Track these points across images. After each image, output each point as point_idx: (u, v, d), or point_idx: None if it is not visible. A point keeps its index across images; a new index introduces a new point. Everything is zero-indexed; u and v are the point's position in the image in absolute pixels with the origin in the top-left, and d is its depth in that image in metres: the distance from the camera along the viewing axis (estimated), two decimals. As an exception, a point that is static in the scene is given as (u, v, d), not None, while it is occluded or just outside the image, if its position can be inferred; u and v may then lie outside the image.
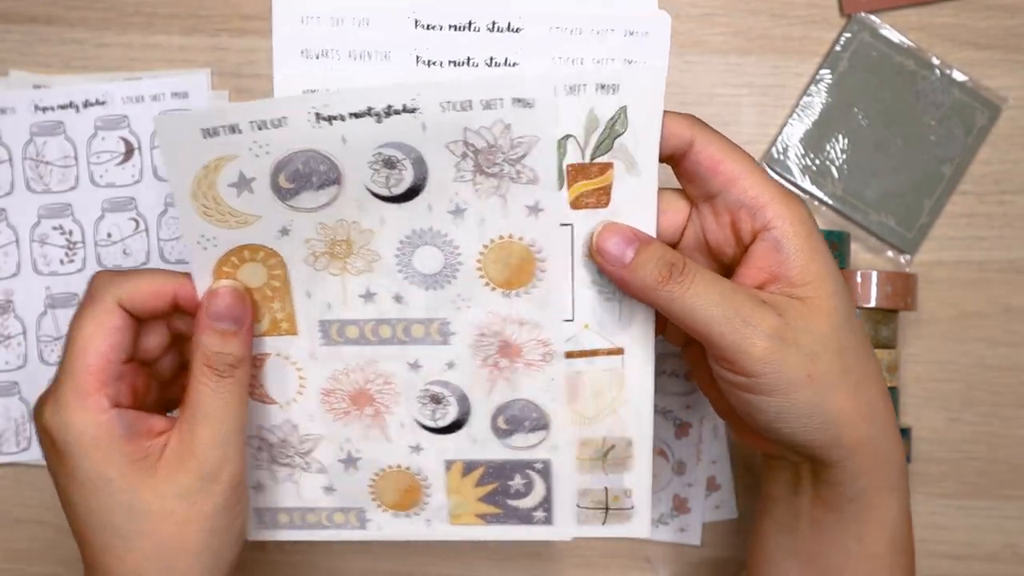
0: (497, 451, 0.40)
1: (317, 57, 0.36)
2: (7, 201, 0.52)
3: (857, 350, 0.36)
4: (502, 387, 0.39)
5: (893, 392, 0.48)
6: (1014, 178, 0.51)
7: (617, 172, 0.36)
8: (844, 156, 0.51)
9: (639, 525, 0.41)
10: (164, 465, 0.36)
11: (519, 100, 0.34)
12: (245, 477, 0.38)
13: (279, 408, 0.40)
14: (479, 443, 0.40)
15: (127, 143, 0.52)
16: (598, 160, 0.36)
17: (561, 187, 0.36)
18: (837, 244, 0.48)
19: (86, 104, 0.52)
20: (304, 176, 0.35)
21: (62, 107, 0.52)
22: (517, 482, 0.41)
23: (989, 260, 0.51)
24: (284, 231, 0.36)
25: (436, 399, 0.39)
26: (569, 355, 0.39)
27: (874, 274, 0.48)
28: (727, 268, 0.38)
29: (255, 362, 0.39)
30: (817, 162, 0.51)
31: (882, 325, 0.48)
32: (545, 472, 0.40)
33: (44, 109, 0.52)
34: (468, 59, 0.36)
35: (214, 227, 0.36)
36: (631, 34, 0.36)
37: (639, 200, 0.37)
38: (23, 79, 0.52)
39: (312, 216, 0.36)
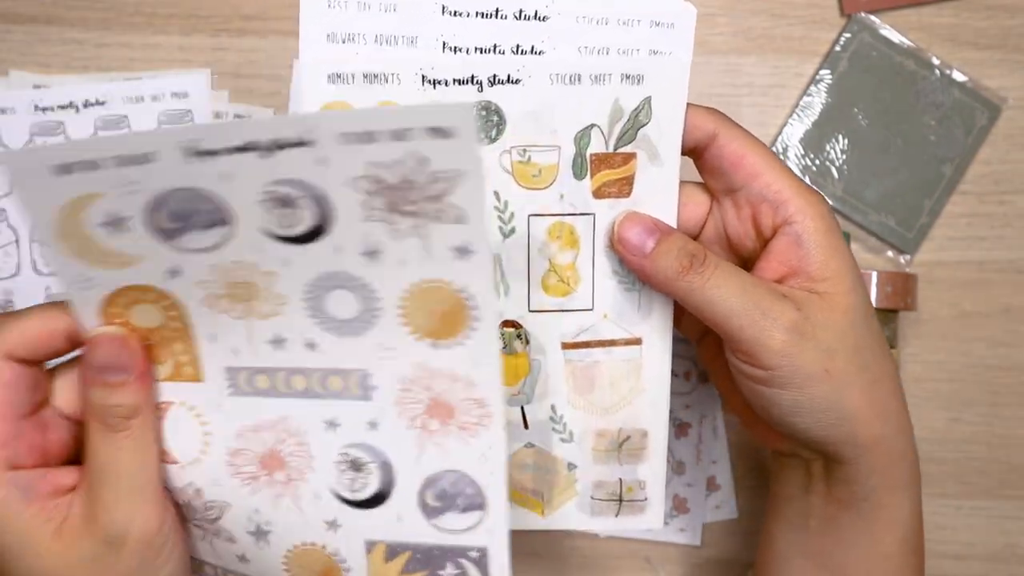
0: (425, 533, 0.35)
1: (343, 42, 0.35)
2: (7, 201, 0.52)
3: (874, 348, 0.36)
4: (432, 454, 0.34)
5: (893, 392, 0.49)
6: (1014, 178, 0.51)
7: (640, 162, 0.37)
8: (844, 156, 0.51)
9: (653, 517, 0.40)
10: (68, 529, 0.33)
11: (435, 130, 0.28)
12: (164, 529, 0.34)
13: (180, 468, 0.36)
14: (404, 522, 0.35)
15: (127, 143, 0.52)
16: (622, 150, 0.37)
17: (584, 176, 0.37)
18: (837, 244, 0.48)
19: (86, 104, 0.52)
20: (185, 216, 0.31)
21: (62, 107, 0.52)
22: (449, 572, 0.36)
23: (989, 260, 0.51)
24: (173, 272, 0.32)
25: (356, 465, 0.35)
26: (587, 344, 0.39)
27: (874, 274, 0.48)
28: (746, 262, 0.38)
29: (157, 412, 0.35)
30: (817, 162, 0.51)
31: (882, 325, 0.48)
32: (482, 562, 0.36)
33: (44, 109, 0.52)
34: (495, 46, 0.36)
35: (91, 268, 0.32)
36: (656, 25, 0.36)
37: (661, 191, 0.37)
38: (23, 79, 0.52)
39: (203, 257, 0.32)
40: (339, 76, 0.36)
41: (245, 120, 0.29)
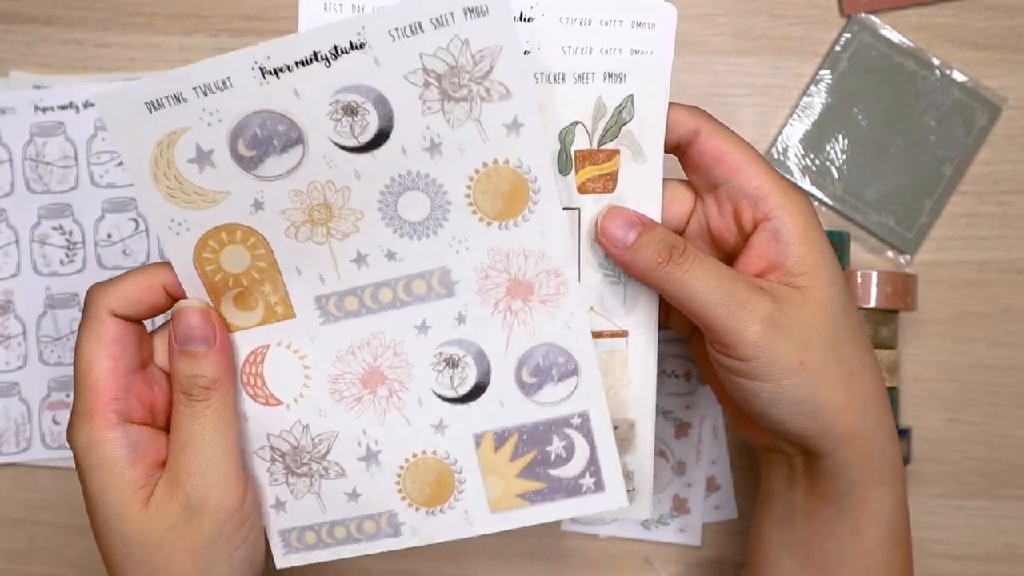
0: (528, 412, 0.37)
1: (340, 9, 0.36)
2: (7, 201, 0.52)
3: (853, 343, 0.37)
4: (520, 333, 0.36)
5: (893, 392, 0.48)
6: (1014, 178, 0.51)
7: (623, 159, 0.37)
8: (844, 156, 0.51)
9: (640, 506, 0.41)
10: (155, 495, 0.35)
11: (470, 10, 0.31)
12: (243, 506, 0.36)
13: (286, 408, 0.38)
14: (506, 406, 0.37)
15: (127, 143, 0.52)
16: (605, 146, 0.37)
17: (568, 171, 0.37)
18: (837, 244, 0.48)
19: (86, 104, 0.52)
20: (264, 140, 0.33)
21: (62, 107, 0.52)
22: (556, 446, 0.37)
23: (989, 260, 0.51)
24: (257, 205, 0.34)
25: (452, 362, 0.37)
26: None
27: (874, 274, 0.48)
28: (729, 257, 0.39)
29: (254, 359, 0.37)
30: (817, 162, 0.51)
31: (882, 325, 0.48)
32: (585, 428, 0.37)
33: (44, 109, 0.52)
34: None
35: (182, 210, 0.34)
36: (638, 25, 0.36)
37: (644, 186, 0.38)
38: (23, 79, 0.52)
39: (282, 183, 0.34)
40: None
41: (305, 31, 0.31)
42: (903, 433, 0.48)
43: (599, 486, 0.38)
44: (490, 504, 0.38)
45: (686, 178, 0.39)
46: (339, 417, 0.37)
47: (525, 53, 0.36)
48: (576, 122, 0.37)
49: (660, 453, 0.51)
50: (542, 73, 0.37)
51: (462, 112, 0.33)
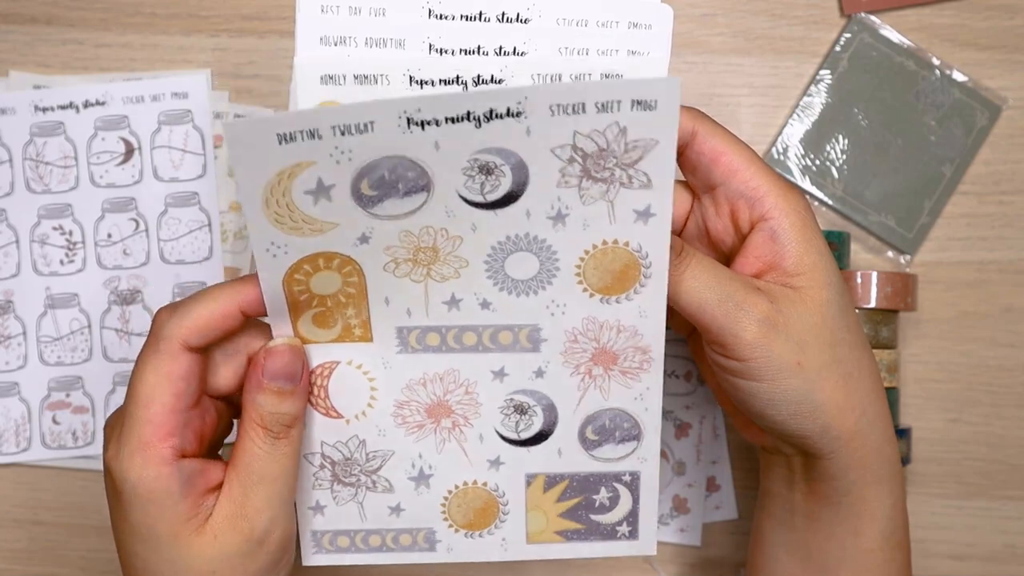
0: (583, 463, 0.38)
1: (336, 44, 0.37)
2: (7, 201, 0.52)
3: (850, 343, 0.37)
4: (593, 396, 0.37)
5: (893, 392, 0.48)
6: (1014, 178, 0.51)
7: None
8: (844, 156, 0.51)
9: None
10: (213, 525, 0.35)
11: (640, 103, 0.31)
12: (294, 536, 0.37)
13: (345, 423, 0.38)
14: (564, 456, 0.38)
15: (127, 143, 0.52)
16: None
17: None
18: (837, 244, 0.48)
19: (86, 104, 0.52)
20: (390, 184, 0.32)
21: (62, 107, 0.52)
22: (603, 495, 0.39)
23: (989, 260, 0.51)
24: (363, 239, 0.34)
25: (521, 409, 0.38)
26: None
27: (874, 274, 0.48)
28: (727, 257, 0.39)
29: (322, 371, 0.37)
30: (817, 162, 0.51)
31: (882, 325, 0.48)
32: (633, 484, 0.39)
33: (44, 109, 0.52)
34: (479, 47, 0.37)
35: (286, 235, 0.33)
36: (634, 26, 0.37)
37: None
38: (23, 79, 0.52)
39: (396, 223, 0.33)
40: (331, 77, 0.37)
41: (467, 92, 0.32)
42: (903, 433, 0.48)
43: (633, 535, 0.40)
44: (528, 536, 0.40)
45: (683, 179, 0.39)
46: (398, 439, 0.38)
47: (521, 55, 0.36)
48: None
49: (660, 453, 0.51)
50: (538, 74, 0.37)
51: (598, 192, 0.33)
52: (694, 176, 0.38)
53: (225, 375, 0.36)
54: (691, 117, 0.37)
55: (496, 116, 0.31)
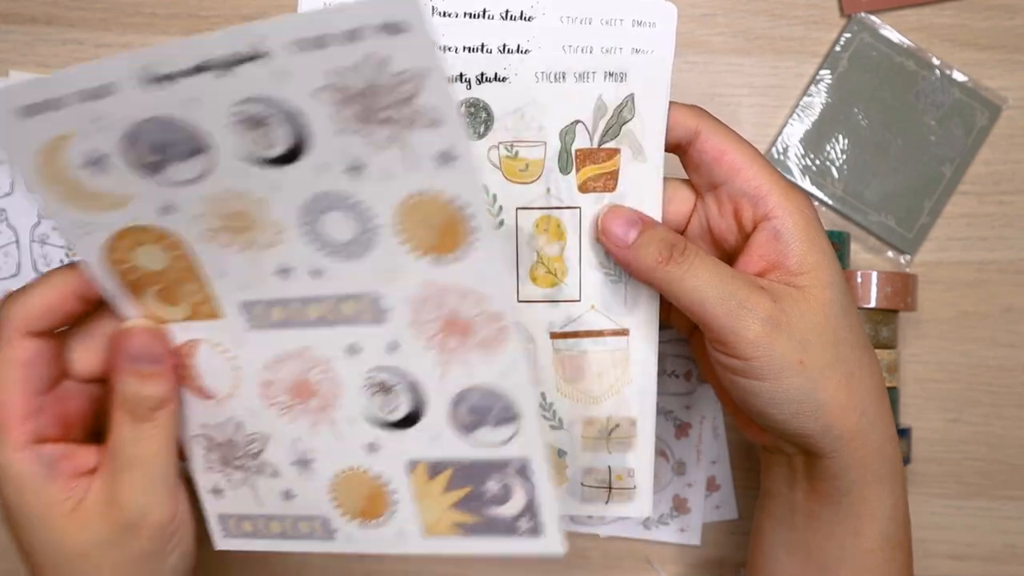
0: (463, 449, 0.36)
1: None
2: (7, 201, 0.52)
3: (852, 342, 0.37)
4: (457, 372, 0.34)
5: (893, 392, 0.48)
6: (1014, 178, 0.51)
7: (624, 158, 0.38)
8: (844, 156, 0.51)
9: (642, 504, 0.41)
10: (84, 510, 0.34)
11: (388, 26, 0.27)
12: (178, 522, 0.36)
13: (218, 404, 0.36)
14: (441, 439, 0.36)
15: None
16: (606, 145, 0.38)
17: (569, 171, 0.38)
18: (837, 244, 0.48)
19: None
20: (162, 147, 0.30)
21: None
22: (492, 486, 0.36)
23: (989, 260, 0.51)
24: (167, 209, 0.32)
25: (384, 388, 0.35)
26: (575, 334, 0.39)
27: (874, 274, 0.48)
28: (730, 256, 0.39)
29: (187, 350, 0.36)
30: (817, 162, 0.51)
31: (882, 325, 0.48)
32: (525, 474, 0.36)
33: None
34: (482, 45, 0.37)
35: (83, 213, 0.32)
36: (638, 24, 0.37)
37: (645, 185, 0.38)
38: (23, 79, 0.52)
39: (192, 189, 0.31)
40: None
41: (194, 38, 0.28)
42: (903, 433, 0.48)
43: (536, 531, 0.36)
44: (424, 527, 0.37)
45: (687, 177, 0.39)
46: (271, 421, 0.37)
47: (525, 53, 0.36)
48: (577, 121, 0.37)
49: (660, 453, 0.51)
50: (542, 72, 0.37)
51: (385, 136, 0.30)
52: (697, 175, 0.38)
53: (87, 360, 0.36)
54: (694, 116, 0.37)
55: (239, 61, 0.28)
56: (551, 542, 0.36)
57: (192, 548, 0.38)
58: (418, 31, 0.27)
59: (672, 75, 0.37)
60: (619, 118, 0.37)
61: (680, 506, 0.52)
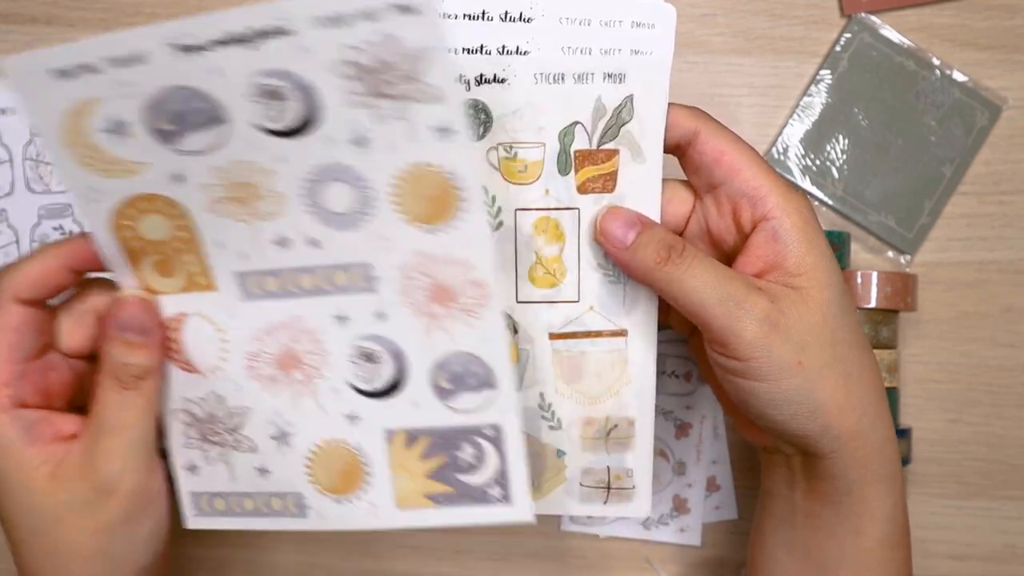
0: (441, 416, 0.37)
1: None
2: (7, 201, 0.52)
3: (851, 342, 0.37)
4: (439, 338, 0.36)
5: (893, 392, 0.48)
6: (1014, 178, 0.51)
7: (623, 159, 0.38)
8: (844, 156, 0.51)
9: (640, 504, 0.41)
10: (62, 473, 0.35)
11: (401, 7, 0.29)
12: (152, 493, 0.37)
13: (203, 378, 0.38)
14: (420, 407, 0.37)
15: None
16: (605, 147, 0.38)
17: (568, 172, 0.38)
18: (837, 244, 0.48)
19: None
20: (182, 116, 0.32)
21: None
22: (466, 453, 0.37)
23: (989, 260, 0.51)
24: (177, 178, 0.34)
25: (369, 357, 0.36)
26: (574, 335, 0.39)
27: (874, 274, 0.48)
28: (728, 257, 0.39)
29: (176, 323, 0.37)
30: (817, 162, 0.51)
31: (882, 325, 0.48)
32: (498, 440, 0.37)
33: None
34: (481, 46, 0.37)
35: (99, 177, 0.34)
36: (638, 25, 0.37)
37: (644, 186, 0.38)
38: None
39: (203, 159, 0.33)
40: None
41: (225, 12, 0.31)
42: (903, 433, 0.48)
43: (506, 498, 0.37)
44: (397, 500, 0.38)
45: (685, 178, 0.39)
46: (254, 394, 0.38)
47: (524, 54, 0.36)
48: (575, 122, 0.37)
49: (660, 453, 0.51)
50: (541, 73, 0.37)
51: (392, 110, 0.32)
52: (696, 176, 0.38)
53: (76, 334, 0.37)
54: (694, 117, 0.37)
55: (264, 35, 0.30)
56: (521, 510, 0.37)
57: (166, 523, 0.38)
58: (429, 12, 0.29)
59: (671, 76, 0.37)
60: (618, 119, 0.37)
61: (680, 506, 0.52)
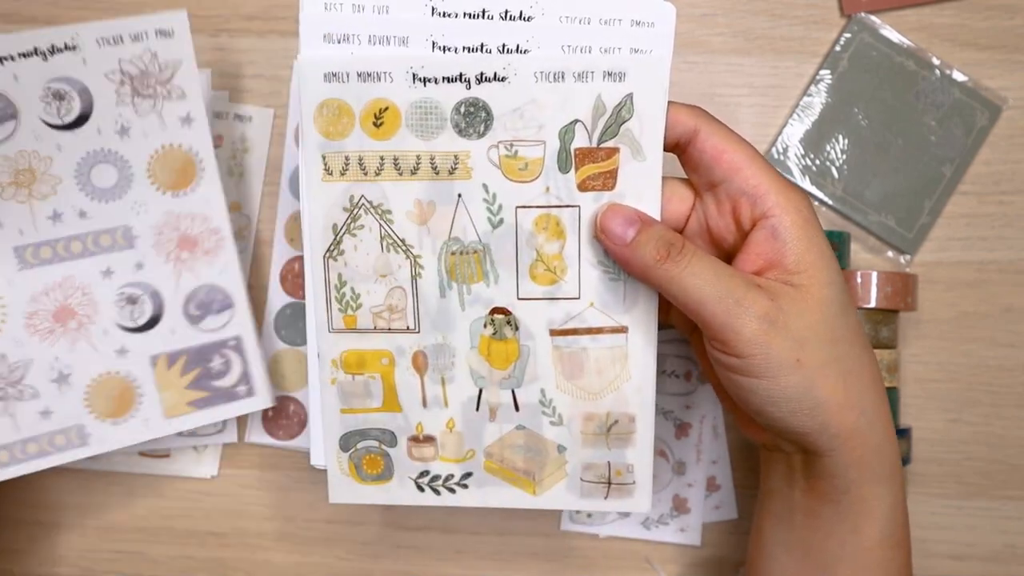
0: (194, 337, 0.47)
1: (339, 41, 0.37)
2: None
3: (851, 341, 0.37)
4: (188, 277, 0.46)
5: (893, 392, 0.48)
6: (1014, 178, 0.51)
7: (623, 157, 0.38)
8: (844, 156, 0.51)
9: (640, 500, 0.41)
10: None
11: (160, 31, 0.43)
12: None
13: None
14: (177, 333, 0.46)
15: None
16: (605, 145, 0.38)
17: (568, 170, 0.38)
18: (837, 244, 0.48)
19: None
20: None
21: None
22: (216, 362, 0.47)
23: (989, 260, 0.51)
24: None
25: (131, 300, 0.46)
26: (575, 331, 0.40)
27: (874, 274, 0.48)
28: (728, 255, 0.39)
29: None
30: (817, 162, 0.51)
31: (882, 325, 0.48)
32: (239, 348, 0.47)
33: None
34: (482, 45, 0.37)
35: None
36: (637, 24, 0.37)
37: (644, 184, 0.38)
38: None
39: None
40: (335, 75, 0.37)
41: (30, 32, 0.42)
42: (903, 433, 0.48)
43: (250, 392, 0.48)
44: (165, 412, 0.47)
45: (686, 176, 0.40)
46: (34, 347, 0.45)
47: (524, 52, 0.37)
48: (576, 120, 0.37)
49: (660, 453, 0.51)
50: (541, 72, 0.37)
51: (148, 106, 0.44)
52: (696, 174, 0.38)
53: None
54: (693, 115, 0.37)
55: (56, 50, 0.42)
56: (261, 399, 0.48)
57: None
58: (182, 33, 0.44)
59: (671, 75, 0.37)
60: (618, 117, 0.37)
61: (680, 506, 0.52)
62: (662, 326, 0.40)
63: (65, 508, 0.53)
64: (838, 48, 0.51)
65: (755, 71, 0.51)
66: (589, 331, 0.40)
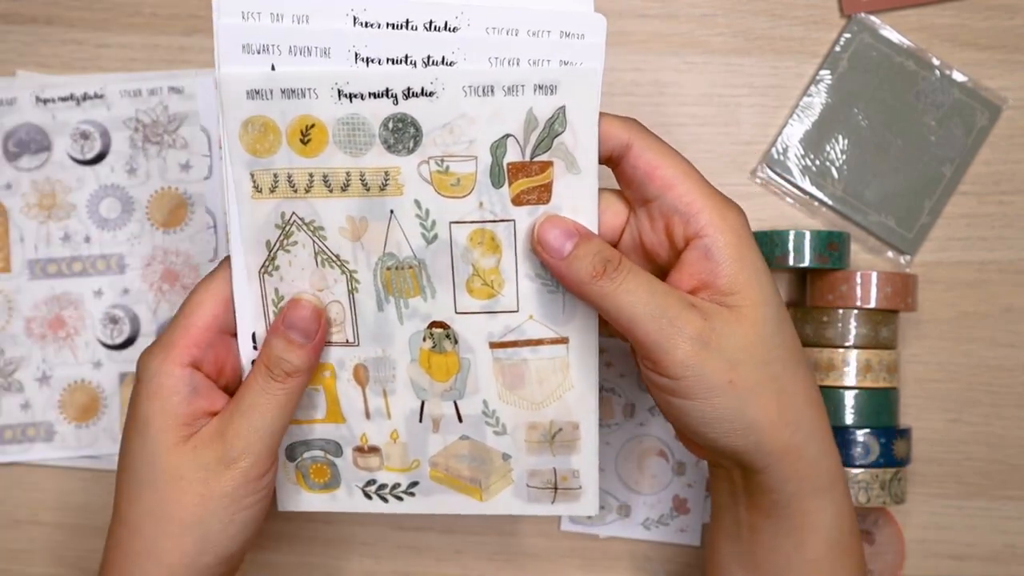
0: None
1: (258, 52, 0.35)
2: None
3: (785, 359, 0.36)
4: (164, 307, 0.52)
5: (893, 392, 0.48)
6: (1014, 178, 0.51)
7: (557, 170, 0.37)
8: (844, 156, 0.51)
9: (587, 503, 0.42)
10: (197, 439, 0.37)
11: (174, 88, 0.51)
12: (263, 477, 0.38)
13: None
14: None
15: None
16: (538, 159, 0.37)
17: (502, 184, 0.37)
18: (837, 244, 0.48)
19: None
20: (26, 143, 0.51)
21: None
22: None
23: (989, 260, 0.51)
24: (8, 186, 0.51)
25: (114, 320, 0.51)
26: (514, 344, 0.39)
27: (874, 275, 0.48)
28: (662, 271, 0.38)
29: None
30: (817, 162, 0.51)
31: (882, 325, 0.48)
32: None
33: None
34: (406, 57, 0.36)
35: None
36: (567, 35, 0.36)
37: (580, 198, 0.37)
38: (30, 79, 0.52)
39: (28, 175, 0.51)
40: (258, 92, 0.36)
41: (66, 78, 0.51)
42: (903, 433, 0.48)
43: None
44: (120, 422, 0.51)
45: (619, 189, 0.39)
46: (28, 347, 0.52)
47: (450, 64, 0.36)
48: (507, 135, 0.36)
49: (660, 453, 0.51)
50: (470, 86, 0.36)
51: (155, 151, 0.51)
52: (630, 189, 0.38)
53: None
54: (626, 128, 0.36)
55: (87, 97, 0.51)
56: None
57: (260, 519, 0.39)
58: (190, 90, 0.51)
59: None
60: (551, 131, 0.36)
61: (680, 506, 0.52)
62: (609, 335, 0.40)
63: (65, 508, 0.53)
64: (838, 48, 0.51)
65: (755, 71, 0.51)
66: (529, 343, 0.39)
